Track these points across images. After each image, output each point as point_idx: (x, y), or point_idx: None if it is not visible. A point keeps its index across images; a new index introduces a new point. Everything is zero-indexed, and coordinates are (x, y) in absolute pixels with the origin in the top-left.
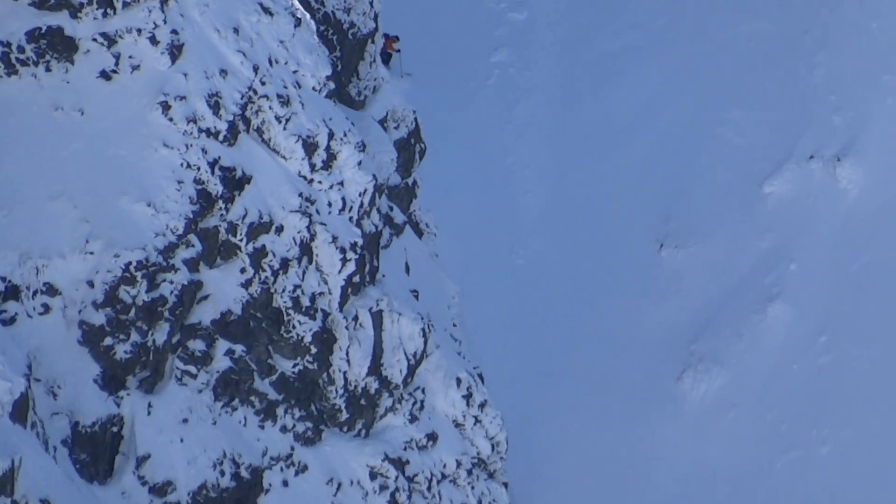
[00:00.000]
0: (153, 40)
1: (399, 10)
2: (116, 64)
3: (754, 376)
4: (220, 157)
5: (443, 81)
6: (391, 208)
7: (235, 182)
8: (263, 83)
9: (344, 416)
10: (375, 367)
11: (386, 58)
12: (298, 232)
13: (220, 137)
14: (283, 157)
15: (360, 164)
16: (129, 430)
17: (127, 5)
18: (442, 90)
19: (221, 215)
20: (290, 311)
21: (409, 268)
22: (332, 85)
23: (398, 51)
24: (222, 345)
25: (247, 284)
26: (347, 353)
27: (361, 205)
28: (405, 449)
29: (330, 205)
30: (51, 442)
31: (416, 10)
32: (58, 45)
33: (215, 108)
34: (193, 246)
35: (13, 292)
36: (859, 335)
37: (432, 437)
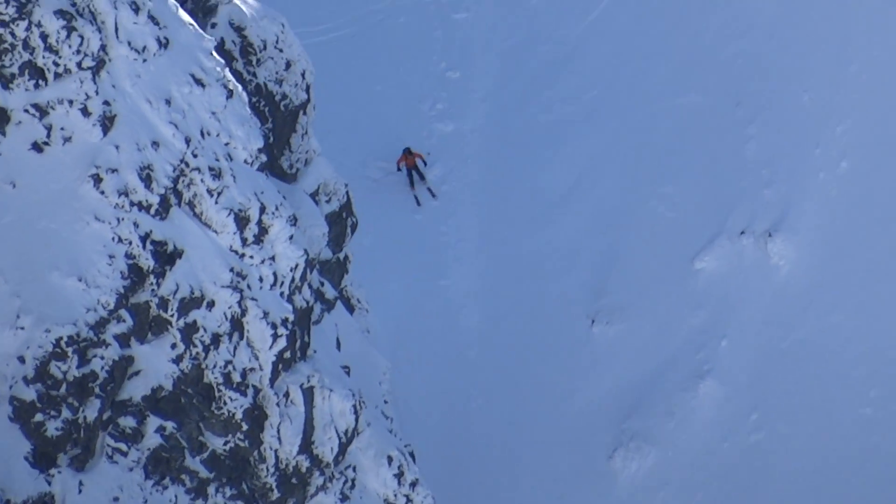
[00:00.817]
0: (85, 111)
1: (330, 81)
2: (48, 135)
3: (685, 454)
4: (151, 231)
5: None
6: (322, 283)
7: (167, 256)
8: (195, 155)
9: (275, 494)
10: (307, 445)
11: (414, 174)
12: (229, 307)
13: (152, 211)
14: (215, 231)
15: (291, 238)
16: None
17: (58, 76)
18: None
19: (153, 290)
20: (222, 387)
21: (340, 343)
22: (263, 157)
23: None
24: (153, 421)
25: (178, 360)
26: (279, 431)
27: (293, 280)
28: None
29: (261, 279)
30: None
31: (348, 81)
32: None
33: (147, 180)
34: (124, 321)
35: None
36: (790, 413)
37: None
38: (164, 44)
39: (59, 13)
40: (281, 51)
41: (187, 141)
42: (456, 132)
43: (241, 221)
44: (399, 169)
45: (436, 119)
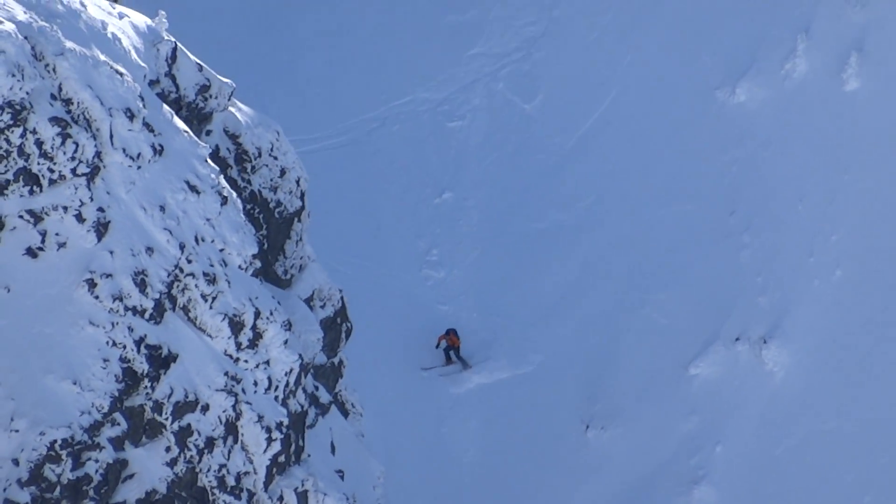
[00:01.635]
0: (79, 218)
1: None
2: (42, 241)
3: None
4: (145, 336)
5: (369, 259)
6: (317, 388)
7: (161, 360)
8: (190, 261)
9: None
10: None
11: (453, 353)
12: (224, 411)
13: (146, 315)
14: (209, 336)
15: (286, 343)
16: None
17: (53, 182)
18: (367, 268)
19: (147, 394)
20: (216, 491)
21: (334, 448)
22: (258, 263)
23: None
24: None
25: (172, 463)
26: None
27: (287, 384)
28: None
29: (256, 384)
30: None
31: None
32: None
33: (141, 285)
34: (119, 424)
35: None
36: None
37: None
38: (158, 151)
39: (54, 120)
40: (276, 158)
41: (182, 247)
42: (450, 237)
43: (235, 326)
44: (437, 346)
45: (429, 224)
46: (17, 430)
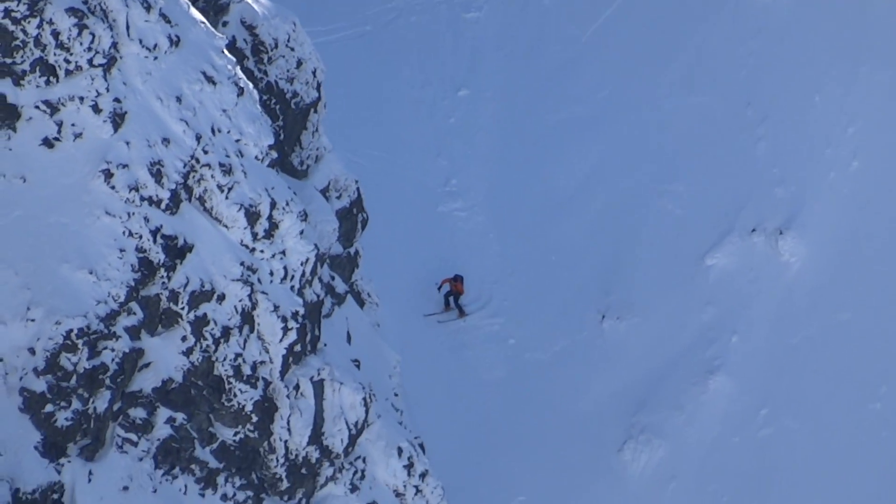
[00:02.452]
0: (95, 108)
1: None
2: (59, 131)
3: (695, 449)
4: (161, 226)
5: (386, 151)
6: (333, 278)
7: (177, 250)
8: (206, 152)
9: (284, 485)
10: (316, 437)
11: (453, 298)
12: (240, 300)
13: (162, 206)
14: (225, 226)
15: (302, 233)
16: (69, 498)
17: (69, 73)
18: (384, 159)
19: (163, 283)
20: (232, 380)
21: (350, 337)
22: (274, 154)
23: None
24: (163, 413)
25: (188, 352)
26: (288, 422)
27: (303, 274)
28: None
29: (272, 274)
30: None
31: (362, 81)
32: (0, 113)
33: (157, 176)
34: (135, 314)
35: None
36: (799, 408)
37: None
38: (175, 42)
39: (71, 11)
40: (292, 49)
41: (198, 138)
42: (466, 131)
43: (251, 217)
44: (439, 288)
45: (446, 117)
46: (33, 320)
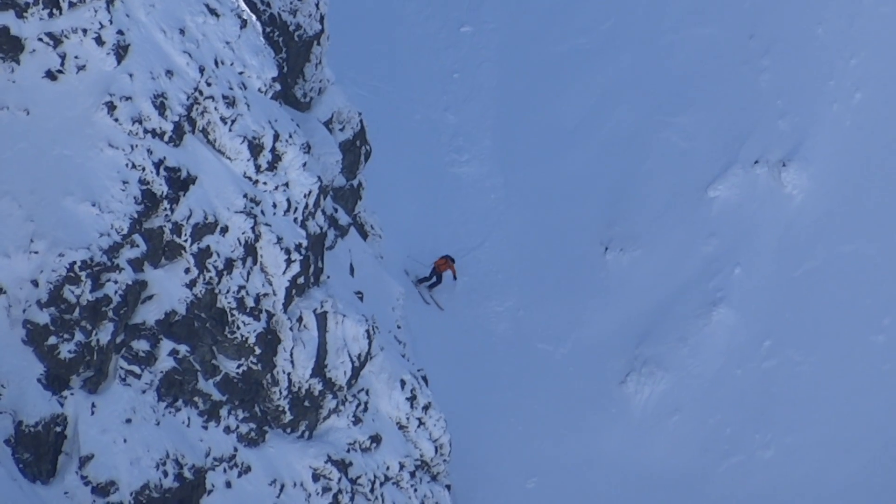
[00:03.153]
0: (99, 41)
1: (346, 13)
2: (62, 64)
3: (698, 381)
4: (165, 158)
5: (389, 83)
6: (336, 210)
7: (180, 183)
8: (209, 84)
9: (287, 417)
10: (319, 369)
11: (434, 279)
12: (243, 233)
13: (166, 138)
14: (229, 158)
15: (305, 165)
16: (72, 430)
17: (73, 5)
18: (387, 92)
19: (166, 215)
20: (235, 312)
21: (353, 269)
22: (277, 86)
23: (442, 279)
24: (166, 345)
25: (191, 285)
26: (291, 355)
27: (306, 206)
28: (348, 451)
29: (275, 206)
30: None
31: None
32: (3, 45)
33: (161, 108)
34: (138, 246)
35: None
36: (803, 340)
37: (376, 439)
38: None
39: None
40: None
41: (201, 70)
42: (469, 65)
43: (254, 149)
44: (433, 270)
45: (449, 48)
46: (36, 252)
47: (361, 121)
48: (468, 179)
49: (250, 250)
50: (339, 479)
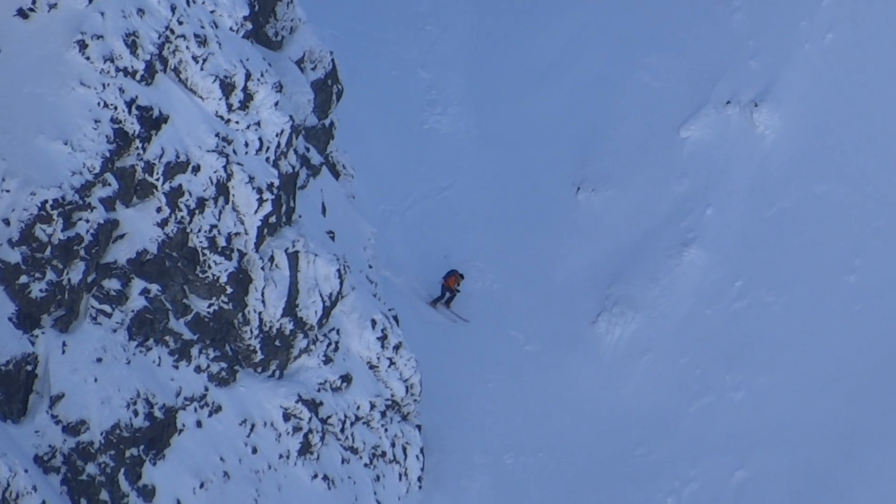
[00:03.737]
0: None
1: None
2: (33, 2)
3: (669, 321)
4: (137, 97)
5: (361, 23)
6: (308, 149)
7: (152, 121)
8: (181, 23)
9: (258, 356)
10: (291, 308)
11: (448, 295)
12: (215, 172)
13: (138, 77)
14: (201, 97)
15: (277, 104)
16: (43, 369)
17: None
18: (360, 32)
19: (138, 154)
20: (206, 251)
21: (325, 209)
22: (249, 25)
23: (459, 290)
24: (137, 284)
25: (163, 224)
26: (263, 294)
27: (278, 145)
28: (319, 390)
29: (247, 145)
30: None
31: None
32: None
33: (132, 47)
34: (110, 185)
35: None
36: (774, 281)
37: (346, 378)
38: None
39: None
40: None
41: (172, 8)
42: (441, 6)
43: (226, 88)
44: (443, 287)
45: None
46: (7, 191)
47: (333, 60)
48: (440, 120)
49: (222, 189)
50: (310, 419)
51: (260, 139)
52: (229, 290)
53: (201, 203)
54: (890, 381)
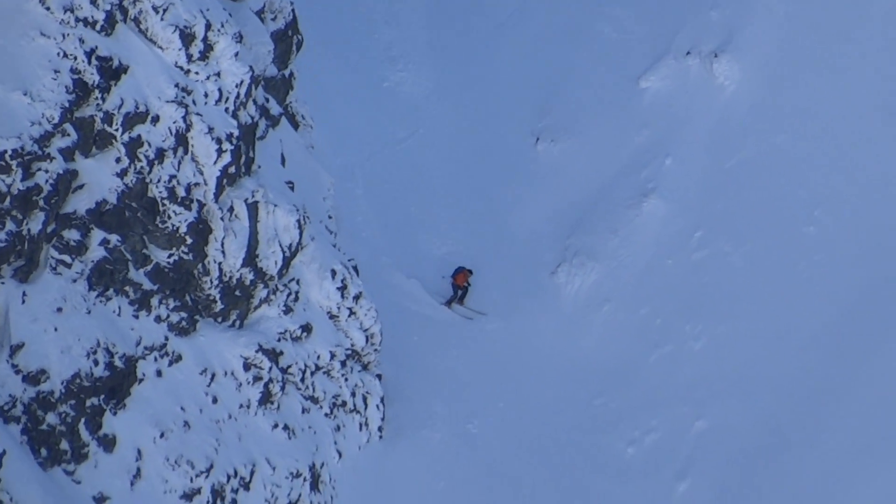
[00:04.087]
0: None
1: None
2: None
3: (628, 271)
4: (97, 47)
5: None
6: (267, 100)
7: (112, 72)
8: None
9: (218, 306)
10: (251, 259)
11: (459, 293)
12: (174, 122)
13: (98, 27)
14: (160, 48)
15: (237, 55)
16: (2, 319)
17: None
18: None
19: (97, 105)
20: (166, 202)
21: (284, 159)
22: None
23: (469, 285)
24: (97, 234)
25: (122, 174)
26: (223, 244)
27: (238, 96)
28: (279, 340)
29: (206, 95)
30: None
31: None
32: None
33: None
34: (69, 135)
35: None
36: (734, 231)
37: (307, 328)
38: None
39: None
40: None
41: None
42: None
43: (186, 38)
44: (454, 286)
45: None
46: None
47: (293, 10)
48: (399, 68)
49: (181, 140)
50: (270, 369)
51: (220, 90)
52: (189, 241)
53: (161, 153)
54: (849, 332)
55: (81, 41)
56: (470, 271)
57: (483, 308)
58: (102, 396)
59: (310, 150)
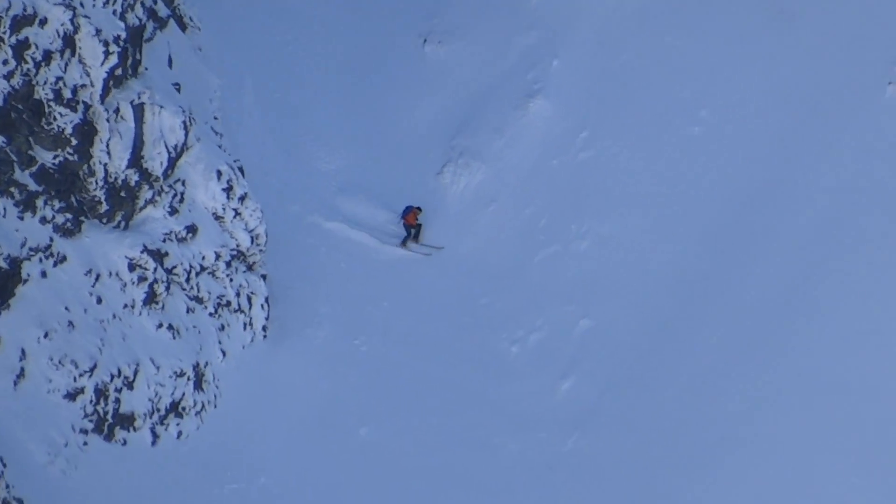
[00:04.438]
0: None
1: None
2: None
3: (514, 172)
4: None
5: None
6: (155, 2)
7: None
8: None
9: (104, 207)
10: (136, 160)
11: (413, 231)
12: (62, 24)
13: None
14: None
15: None
16: None
17: None
18: None
19: None
20: (52, 104)
21: (171, 61)
22: None
23: (420, 223)
24: None
25: (8, 76)
26: (108, 146)
27: None
28: (164, 241)
29: None
30: None
31: None
32: None
33: None
34: None
35: None
36: (620, 132)
37: (192, 229)
38: None
39: None
40: None
41: None
42: None
43: None
44: (406, 226)
45: None
46: None
47: None
48: None
49: (69, 42)
50: (155, 269)
51: None
52: (74, 142)
53: (48, 56)
54: (732, 231)
55: None
56: (419, 209)
57: (440, 244)
58: None
59: (197, 52)
